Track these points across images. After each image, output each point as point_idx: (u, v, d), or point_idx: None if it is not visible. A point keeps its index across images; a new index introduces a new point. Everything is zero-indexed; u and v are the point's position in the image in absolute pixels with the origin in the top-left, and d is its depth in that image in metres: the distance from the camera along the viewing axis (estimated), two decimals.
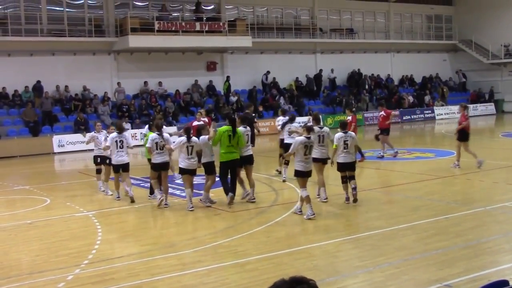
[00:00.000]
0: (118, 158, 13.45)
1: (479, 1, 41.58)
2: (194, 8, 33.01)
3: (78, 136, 27.06)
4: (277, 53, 35.90)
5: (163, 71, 32.14)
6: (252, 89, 33.58)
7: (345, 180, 12.29)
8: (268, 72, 34.68)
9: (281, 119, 15.85)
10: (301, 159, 10.96)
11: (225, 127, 12.61)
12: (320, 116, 13.51)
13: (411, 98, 38.34)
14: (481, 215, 10.74)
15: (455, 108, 38.68)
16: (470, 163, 16.41)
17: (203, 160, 12.63)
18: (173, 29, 30.07)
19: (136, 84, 31.36)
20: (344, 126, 12.32)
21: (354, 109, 19.48)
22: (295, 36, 36.56)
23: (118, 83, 30.51)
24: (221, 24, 31.67)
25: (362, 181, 15.48)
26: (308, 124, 12.34)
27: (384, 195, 13.32)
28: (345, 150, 12.10)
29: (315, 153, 11.83)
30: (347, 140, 12.03)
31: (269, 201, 12.86)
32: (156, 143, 12.63)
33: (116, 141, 13.41)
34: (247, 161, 12.92)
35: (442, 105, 38.84)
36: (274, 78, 34.95)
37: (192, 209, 12.09)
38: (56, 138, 26.74)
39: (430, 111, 37.75)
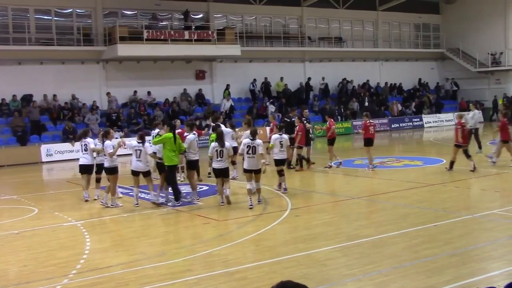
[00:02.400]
0: (135, 164, 13.93)
1: (466, 10, 41.95)
2: (182, 17, 33.07)
3: (66, 145, 26.92)
4: (266, 62, 35.99)
5: (151, 80, 32.12)
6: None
7: (282, 173, 14.99)
8: (255, 80, 34.77)
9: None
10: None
11: (169, 134, 13.70)
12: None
13: (399, 106, 38.55)
14: (470, 223, 10.80)
15: (444, 116, 39.06)
16: (461, 170, 16.49)
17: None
18: (162, 37, 30.08)
19: (125, 93, 31.29)
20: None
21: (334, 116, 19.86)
22: (284, 44, 36.71)
23: (108, 93, 30.43)
24: (210, 32, 31.73)
25: (352, 190, 15.55)
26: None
27: (373, 203, 13.35)
28: (281, 149, 14.76)
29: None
30: (282, 141, 14.71)
31: (259, 210, 12.85)
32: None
33: (135, 150, 13.87)
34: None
35: (429, 113, 39.07)
36: (263, 86, 35.06)
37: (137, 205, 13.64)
38: (44, 147, 26.59)
39: (418, 119, 37.95)
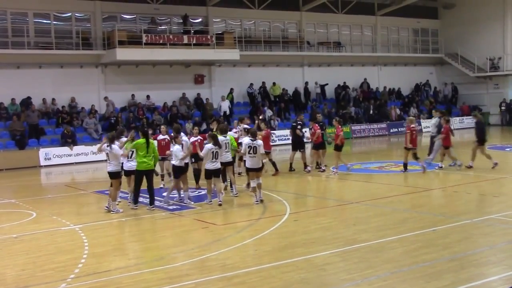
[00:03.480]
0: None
1: (465, 15, 42.04)
2: (181, 21, 33.09)
3: (65, 149, 26.96)
4: (265, 66, 36.04)
5: (150, 84, 32.13)
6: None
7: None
8: (252, 84, 34.80)
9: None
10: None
11: (141, 140, 13.82)
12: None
13: (398, 111, 38.58)
14: (468, 228, 10.79)
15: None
16: (460, 174, 16.49)
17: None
18: (161, 42, 30.11)
19: (124, 97, 31.29)
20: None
21: (318, 119, 20.07)
22: (283, 49, 36.74)
23: (105, 98, 30.42)
24: (208, 37, 31.76)
25: (350, 194, 15.56)
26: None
27: (372, 208, 13.34)
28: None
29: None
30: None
31: (257, 215, 12.85)
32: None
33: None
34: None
35: (428, 118, 39.07)
36: (261, 90, 35.09)
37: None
38: (42, 151, 26.57)
39: (417, 124, 37.94)
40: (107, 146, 13.63)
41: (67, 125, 28.08)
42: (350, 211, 13.16)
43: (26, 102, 28.50)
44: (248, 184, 15.17)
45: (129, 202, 14.38)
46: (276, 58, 36.43)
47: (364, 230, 10.88)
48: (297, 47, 37.19)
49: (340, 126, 19.26)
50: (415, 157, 18.17)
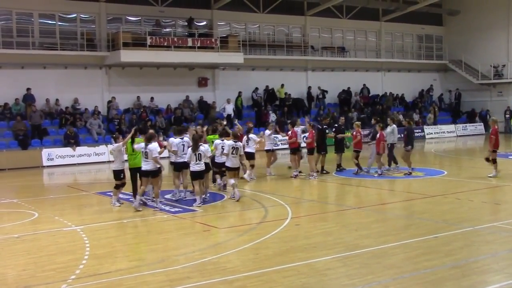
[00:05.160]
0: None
1: (469, 22, 42.03)
2: (186, 24, 33.13)
3: (67, 150, 26.99)
4: (269, 70, 36.06)
5: (154, 86, 32.18)
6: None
7: (224, 174, 16.05)
8: (257, 88, 34.85)
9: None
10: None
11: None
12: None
13: (401, 117, 38.49)
14: (470, 235, 10.77)
15: (446, 128, 39.05)
16: (462, 181, 16.44)
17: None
18: (165, 44, 30.16)
19: (127, 98, 31.30)
20: (235, 136, 15.66)
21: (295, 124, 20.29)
22: (287, 53, 36.76)
23: (111, 99, 30.45)
24: (213, 40, 31.81)
25: (352, 199, 15.54)
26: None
27: (374, 214, 13.32)
28: (235, 154, 15.24)
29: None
30: (237, 147, 15.25)
31: (258, 218, 12.84)
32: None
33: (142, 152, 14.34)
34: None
35: (433, 124, 39.06)
36: (266, 94, 35.11)
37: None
38: (45, 152, 26.61)
39: (420, 130, 37.91)
40: (145, 145, 14.04)
41: (70, 126, 28.13)
42: (351, 216, 13.14)
43: (30, 99, 28.47)
44: (225, 185, 16.02)
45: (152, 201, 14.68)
46: (280, 62, 36.46)
47: (366, 235, 10.86)
48: (301, 52, 37.22)
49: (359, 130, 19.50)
50: (355, 158, 19.26)
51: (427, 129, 38.32)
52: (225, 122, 20.15)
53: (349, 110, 36.92)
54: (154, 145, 14.10)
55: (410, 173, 18.88)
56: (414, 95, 42.30)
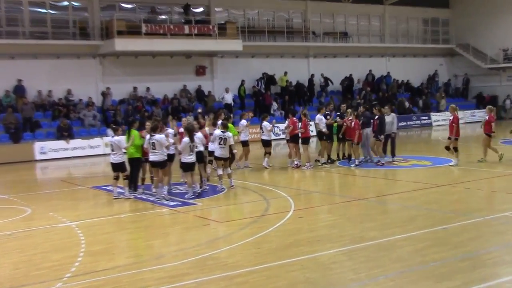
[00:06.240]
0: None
1: (477, 4, 41.86)
2: (182, 10, 33.02)
3: (61, 143, 26.96)
4: (269, 57, 35.97)
5: (150, 76, 32.12)
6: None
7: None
8: (261, 78, 34.80)
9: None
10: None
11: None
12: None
13: (407, 104, 38.49)
14: (480, 225, 10.74)
15: None
16: (471, 170, 16.41)
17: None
18: (161, 32, 30.09)
19: (122, 89, 31.27)
20: (224, 126, 15.72)
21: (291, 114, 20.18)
22: (287, 39, 36.66)
23: (107, 88, 30.38)
24: (210, 27, 31.71)
25: (357, 190, 15.51)
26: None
27: (380, 205, 13.30)
28: (222, 145, 15.46)
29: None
30: (225, 138, 15.43)
31: (260, 211, 12.81)
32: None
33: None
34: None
35: (441, 111, 38.95)
36: (263, 81, 35.02)
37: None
38: (38, 145, 26.59)
39: (426, 117, 37.86)
40: (151, 136, 14.21)
41: (63, 118, 28.08)
42: (356, 208, 13.11)
43: (21, 91, 28.41)
44: (220, 176, 15.86)
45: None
46: (280, 49, 36.37)
47: (371, 227, 10.84)
48: (302, 38, 37.13)
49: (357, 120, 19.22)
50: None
51: (434, 116, 38.24)
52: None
53: (352, 98, 36.83)
54: (160, 136, 14.27)
55: (383, 163, 18.81)
56: (420, 81, 42.19)
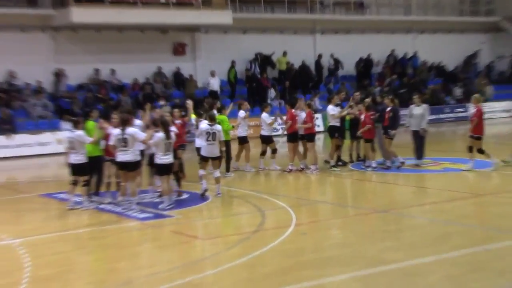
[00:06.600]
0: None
1: None
2: None
3: (0, 139, 26.82)
4: (265, 33, 36.00)
5: (116, 55, 32.13)
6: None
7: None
8: (255, 59, 34.82)
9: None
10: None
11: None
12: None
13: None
14: None
15: (498, 105, 38.57)
16: None
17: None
18: (131, 0, 30.03)
19: (81, 71, 31.21)
20: (212, 118, 15.82)
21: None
22: (288, 11, 36.71)
23: (59, 70, 30.32)
24: None
25: (374, 200, 15.53)
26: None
27: (403, 219, 13.33)
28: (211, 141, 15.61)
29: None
30: (214, 132, 15.57)
31: (253, 226, 12.81)
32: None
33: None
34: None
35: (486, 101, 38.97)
36: (255, 61, 35.15)
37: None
38: None
39: (462, 109, 37.81)
40: (122, 130, 14.21)
41: (4, 107, 27.95)
42: (374, 222, 13.14)
43: None
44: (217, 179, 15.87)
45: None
46: (279, 23, 36.43)
47: (393, 247, 10.86)
48: (307, 9, 37.18)
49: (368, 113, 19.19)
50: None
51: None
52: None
53: (369, 85, 36.86)
54: (133, 129, 14.30)
55: (389, 166, 18.85)
56: (454, 63, 42.21)
